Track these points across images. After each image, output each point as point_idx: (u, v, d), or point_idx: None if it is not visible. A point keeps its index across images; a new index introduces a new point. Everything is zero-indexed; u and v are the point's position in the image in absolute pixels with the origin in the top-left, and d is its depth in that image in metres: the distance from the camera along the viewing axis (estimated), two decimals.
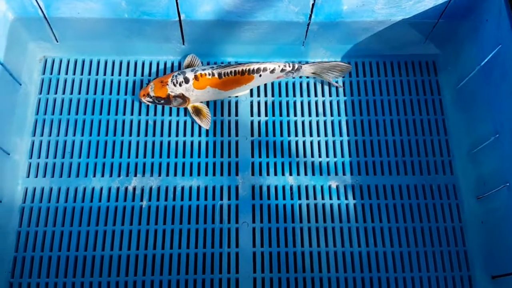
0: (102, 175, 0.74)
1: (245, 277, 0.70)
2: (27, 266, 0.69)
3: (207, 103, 0.79)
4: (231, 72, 0.75)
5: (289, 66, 0.78)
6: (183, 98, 0.75)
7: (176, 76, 0.74)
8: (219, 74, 0.74)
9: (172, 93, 0.74)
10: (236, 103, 0.80)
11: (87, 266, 0.69)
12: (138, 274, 0.69)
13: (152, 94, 0.74)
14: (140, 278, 0.69)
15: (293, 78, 0.81)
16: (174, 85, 0.74)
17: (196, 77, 0.74)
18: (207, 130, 0.78)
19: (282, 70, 0.77)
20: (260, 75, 0.77)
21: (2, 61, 0.69)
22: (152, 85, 0.74)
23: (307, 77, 0.82)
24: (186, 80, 0.74)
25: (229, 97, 0.80)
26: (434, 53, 0.85)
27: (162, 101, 0.75)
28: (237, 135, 0.78)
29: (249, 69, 0.75)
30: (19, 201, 0.72)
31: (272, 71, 0.77)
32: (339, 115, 0.80)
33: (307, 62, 0.82)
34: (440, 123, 0.81)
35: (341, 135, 0.79)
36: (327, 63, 0.79)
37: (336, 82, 0.82)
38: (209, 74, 0.74)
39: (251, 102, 0.81)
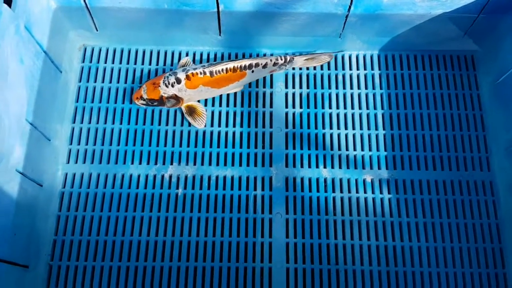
0: (140, 163, 0.75)
1: (278, 267, 0.71)
2: (66, 249, 0.70)
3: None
4: (222, 69, 0.74)
5: (281, 59, 0.77)
6: (176, 99, 0.74)
7: (167, 77, 0.74)
8: (211, 73, 0.74)
9: (165, 94, 0.74)
10: (271, 94, 0.80)
11: (124, 251, 0.70)
12: (174, 260, 0.70)
13: (145, 96, 0.74)
14: (176, 264, 0.70)
15: (286, 70, 0.80)
16: (166, 86, 0.74)
17: (187, 77, 0.74)
18: (241, 121, 0.79)
19: (275, 64, 0.77)
20: (253, 71, 0.76)
21: (45, 49, 0.71)
22: (145, 88, 0.74)
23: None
24: (178, 81, 0.73)
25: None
26: (473, 48, 0.83)
27: (155, 103, 0.75)
28: (271, 126, 0.79)
29: (240, 66, 0.75)
30: (59, 186, 0.74)
31: (265, 66, 0.76)
32: (375, 108, 0.80)
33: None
34: (478, 118, 0.80)
35: (377, 128, 0.78)
36: (319, 53, 0.80)
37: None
38: (200, 73, 0.74)
39: (286, 94, 0.81)
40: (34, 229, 0.68)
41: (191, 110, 0.76)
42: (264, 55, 0.82)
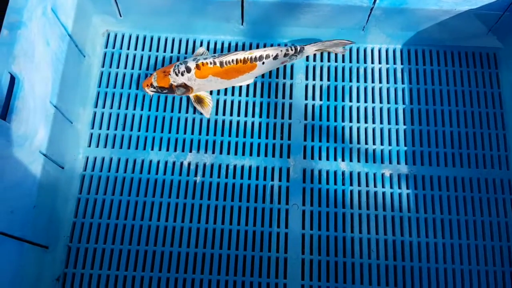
0: (160, 149, 0.76)
1: (294, 258, 0.71)
2: (85, 232, 0.71)
3: (213, 92, 0.79)
4: (232, 60, 0.74)
5: (292, 50, 0.76)
6: (186, 87, 0.75)
7: (178, 65, 0.74)
8: (221, 63, 0.73)
9: (175, 83, 0.74)
10: (291, 86, 0.80)
11: (143, 235, 0.71)
12: (191, 246, 0.71)
13: (155, 84, 0.74)
14: (193, 250, 0.71)
15: (297, 60, 0.80)
16: (176, 75, 0.74)
17: (197, 66, 0.74)
18: (260, 111, 0.79)
19: (286, 55, 0.76)
20: (263, 63, 0.75)
21: (69, 32, 0.71)
22: (155, 75, 0.74)
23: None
24: (188, 70, 0.74)
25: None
26: (496, 46, 0.83)
27: (165, 91, 0.75)
28: (290, 117, 0.79)
29: (251, 57, 0.74)
30: (80, 169, 0.74)
31: (276, 57, 0.76)
32: (396, 102, 0.79)
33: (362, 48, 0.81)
34: (499, 117, 0.79)
35: (397, 123, 0.78)
36: (329, 42, 0.78)
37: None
38: (210, 63, 0.74)
39: (306, 86, 0.80)
40: (55, 211, 0.69)
41: (199, 100, 0.76)
42: (278, 45, 0.82)
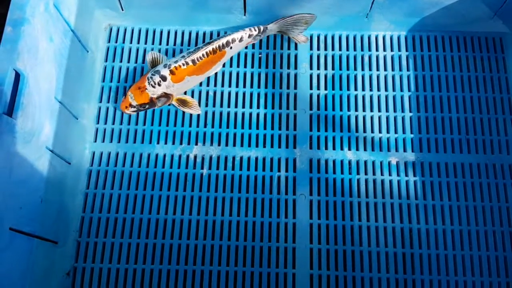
0: (165, 143, 0.76)
1: (302, 247, 0.71)
2: (94, 226, 0.72)
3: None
4: (203, 54, 0.73)
5: (255, 30, 0.76)
6: (166, 96, 0.73)
7: (151, 77, 0.72)
8: (193, 61, 0.72)
9: (154, 95, 0.72)
10: (295, 75, 0.80)
11: (151, 229, 0.71)
12: (199, 239, 0.71)
13: (134, 103, 0.72)
14: (201, 242, 0.71)
15: (261, 38, 0.80)
16: (153, 87, 0.72)
17: (171, 72, 0.72)
18: (265, 102, 0.78)
19: (250, 36, 0.76)
20: (231, 47, 0.75)
21: (72, 28, 0.71)
22: (131, 94, 0.72)
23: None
24: (163, 78, 0.72)
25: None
26: (502, 30, 0.82)
27: (146, 106, 0.73)
28: (295, 108, 0.78)
29: (219, 46, 0.73)
30: (86, 164, 0.75)
31: (241, 40, 0.75)
32: (401, 90, 0.79)
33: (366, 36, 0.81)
34: (506, 101, 0.78)
35: (403, 110, 0.78)
36: (290, 17, 0.77)
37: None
38: (183, 64, 0.72)
39: (311, 75, 0.80)
40: (63, 206, 0.69)
41: (183, 102, 0.75)
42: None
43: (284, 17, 0.78)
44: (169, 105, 0.77)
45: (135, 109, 0.73)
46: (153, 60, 0.76)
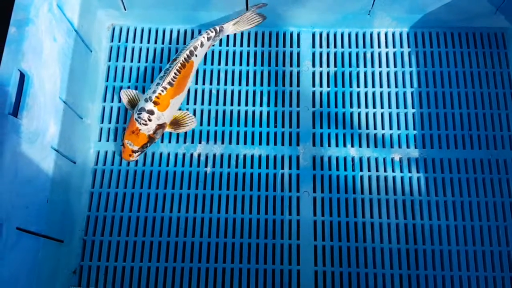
0: (169, 141, 0.76)
1: (306, 244, 0.72)
2: (99, 225, 0.72)
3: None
4: (175, 73, 0.71)
5: (212, 31, 0.76)
6: (161, 127, 0.72)
7: (139, 117, 0.70)
8: (170, 83, 0.71)
9: (151, 132, 0.71)
10: (298, 73, 0.80)
11: (156, 227, 0.72)
12: (204, 236, 0.72)
13: (135, 148, 0.71)
14: (206, 240, 0.71)
15: (220, 39, 0.80)
16: (146, 125, 0.70)
17: (155, 103, 0.70)
18: (268, 100, 0.79)
19: (209, 39, 0.76)
20: (196, 55, 0.74)
21: (75, 28, 0.71)
22: (129, 142, 0.70)
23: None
24: (151, 112, 0.70)
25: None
26: (504, 25, 0.81)
27: (148, 145, 0.72)
28: (298, 105, 0.79)
29: (185, 58, 0.72)
30: (91, 163, 0.75)
31: (202, 45, 0.75)
32: (404, 86, 0.79)
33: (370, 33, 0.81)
34: (509, 96, 0.78)
35: (406, 107, 0.78)
36: (244, 15, 0.78)
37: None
38: (162, 91, 0.70)
39: (313, 73, 0.80)
40: (68, 205, 0.70)
41: (176, 124, 0.74)
42: (291, 33, 0.82)
43: (239, 15, 0.78)
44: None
45: (138, 152, 0.72)
46: (129, 99, 0.74)
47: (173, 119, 0.74)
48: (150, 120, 0.70)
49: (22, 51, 0.57)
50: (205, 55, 0.80)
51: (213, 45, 0.79)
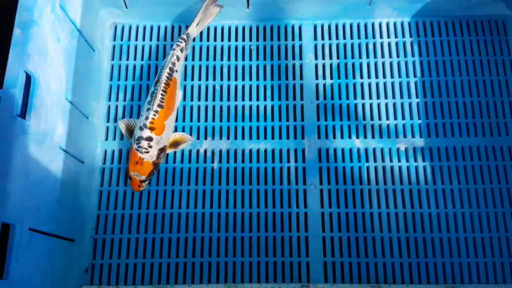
0: None
1: (314, 236, 0.72)
2: (110, 223, 0.73)
3: None
4: (162, 94, 0.71)
5: (181, 42, 0.75)
6: (162, 150, 0.71)
7: (139, 146, 0.69)
8: (159, 105, 0.70)
9: (154, 158, 0.70)
10: (301, 66, 0.80)
11: (166, 223, 0.72)
12: (213, 231, 0.72)
13: (143, 178, 0.70)
14: (215, 234, 0.72)
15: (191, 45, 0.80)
16: (148, 152, 0.69)
17: (151, 128, 0.69)
18: (272, 94, 0.79)
19: (181, 49, 0.75)
20: (176, 71, 0.74)
21: (78, 27, 0.71)
22: (135, 173, 0.69)
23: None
24: (149, 139, 0.69)
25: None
26: (505, 13, 0.82)
27: (154, 172, 0.71)
28: (302, 98, 0.79)
29: (167, 77, 0.72)
30: (99, 162, 0.75)
31: (178, 59, 0.74)
32: (407, 76, 0.79)
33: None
34: (510, 83, 0.79)
35: (409, 97, 0.78)
36: (200, 13, 0.77)
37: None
38: (154, 115, 0.70)
39: (316, 65, 0.80)
40: (78, 205, 0.70)
41: (176, 144, 0.74)
42: (293, 26, 0.82)
43: (195, 15, 0.77)
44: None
45: (147, 181, 0.71)
46: (126, 127, 0.74)
47: (173, 141, 0.74)
48: (150, 146, 0.69)
49: (28, 52, 0.57)
50: (207, 52, 0.81)
51: (187, 50, 0.78)
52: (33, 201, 0.58)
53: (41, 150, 0.60)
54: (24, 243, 0.56)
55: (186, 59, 0.79)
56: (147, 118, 0.70)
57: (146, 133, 0.69)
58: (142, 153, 0.69)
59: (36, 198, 0.59)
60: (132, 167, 0.70)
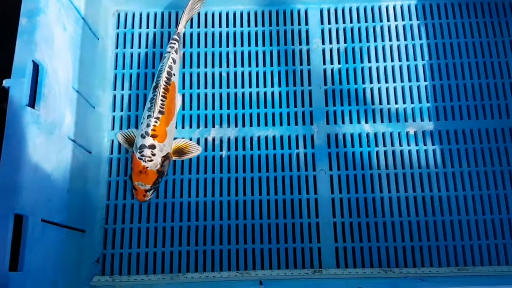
0: (183, 127, 0.76)
1: (325, 222, 0.72)
2: (119, 213, 0.72)
3: None
4: (162, 100, 0.69)
5: (174, 42, 0.74)
6: (166, 158, 0.69)
7: (142, 155, 0.67)
8: (160, 112, 0.69)
9: (158, 166, 0.68)
10: (308, 51, 0.80)
11: (176, 212, 0.72)
12: (224, 219, 0.72)
13: (148, 187, 0.68)
14: (226, 222, 0.72)
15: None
16: (151, 160, 0.67)
17: (153, 136, 0.68)
18: (279, 80, 0.78)
19: (176, 51, 0.74)
20: (174, 74, 0.72)
21: (83, 15, 0.70)
22: (139, 183, 0.68)
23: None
24: (152, 146, 0.67)
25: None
26: None
27: (159, 180, 0.69)
28: (310, 84, 0.78)
29: (165, 82, 0.70)
30: (106, 152, 0.75)
31: (174, 61, 0.73)
32: (415, 59, 0.79)
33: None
34: None
35: (418, 80, 0.78)
36: (185, 11, 0.76)
37: None
38: (156, 122, 0.68)
39: (323, 50, 0.80)
40: (87, 195, 0.70)
41: (181, 153, 0.73)
42: (299, 11, 0.81)
43: (182, 12, 0.76)
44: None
45: (152, 190, 0.69)
46: (125, 139, 0.72)
47: (176, 148, 0.72)
48: (154, 154, 0.68)
49: (35, 41, 0.56)
50: (212, 39, 0.80)
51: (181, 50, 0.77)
52: (44, 192, 0.57)
53: (51, 140, 0.59)
54: (37, 235, 0.55)
55: (184, 56, 0.78)
56: (148, 125, 0.68)
57: (149, 141, 0.68)
58: (145, 161, 0.67)
59: (47, 189, 0.58)
60: (136, 177, 0.68)
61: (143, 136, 0.68)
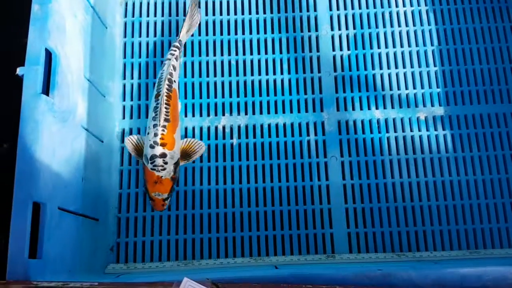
0: (193, 115, 0.76)
1: (337, 207, 0.72)
2: (132, 202, 0.72)
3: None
4: (166, 107, 0.68)
5: (175, 49, 0.73)
6: (177, 164, 0.69)
7: (155, 166, 0.66)
8: (166, 119, 0.67)
9: (172, 173, 0.67)
10: (317, 38, 0.80)
11: (188, 200, 0.72)
12: (236, 206, 0.72)
13: (165, 196, 0.67)
14: (238, 209, 0.72)
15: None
16: (164, 169, 0.67)
17: (162, 144, 0.67)
18: (288, 67, 0.78)
19: (176, 58, 0.72)
20: (175, 81, 0.71)
21: (92, 4, 0.70)
22: (156, 193, 0.67)
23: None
24: (163, 155, 0.66)
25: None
26: None
27: (174, 187, 0.69)
28: (319, 71, 0.78)
29: (167, 89, 0.69)
30: (117, 141, 0.75)
31: (175, 68, 0.72)
32: (424, 45, 0.79)
33: None
34: None
35: (427, 65, 0.78)
36: (187, 19, 0.76)
37: None
38: (163, 130, 0.67)
39: (332, 36, 0.80)
40: (100, 184, 0.70)
41: (187, 156, 0.71)
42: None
43: (183, 21, 0.76)
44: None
45: (169, 198, 0.69)
46: (134, 146, 0.70)
47: (181, 152, 0.71)
48: (166, 163, 0.67)
49: (48, 29, 0.56)
50: (221, 27, 0.80)
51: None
52: (60, 180, 0.57)
53: (66, 128, 0.59)
54: (55, 223, 0.55)
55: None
56: (156, 134, 0.67)
57: (159, 150, 0.67)
58: (159, 171, 0.66)
59: (63, 177, 0.58)
60: (151, 188, 0.67)
61: (152, 146, 0.67)
